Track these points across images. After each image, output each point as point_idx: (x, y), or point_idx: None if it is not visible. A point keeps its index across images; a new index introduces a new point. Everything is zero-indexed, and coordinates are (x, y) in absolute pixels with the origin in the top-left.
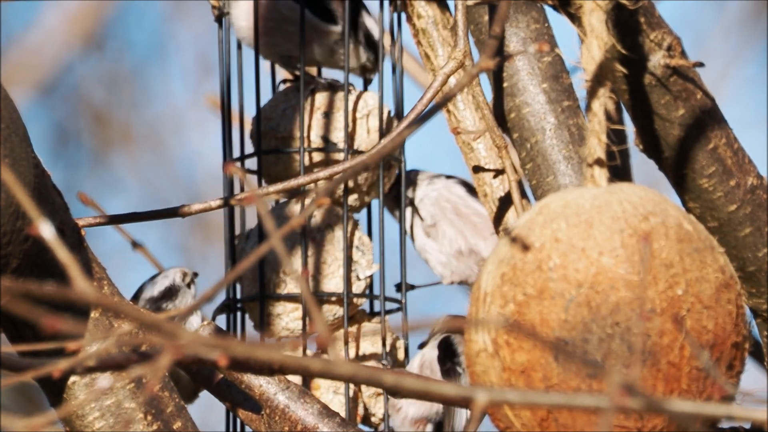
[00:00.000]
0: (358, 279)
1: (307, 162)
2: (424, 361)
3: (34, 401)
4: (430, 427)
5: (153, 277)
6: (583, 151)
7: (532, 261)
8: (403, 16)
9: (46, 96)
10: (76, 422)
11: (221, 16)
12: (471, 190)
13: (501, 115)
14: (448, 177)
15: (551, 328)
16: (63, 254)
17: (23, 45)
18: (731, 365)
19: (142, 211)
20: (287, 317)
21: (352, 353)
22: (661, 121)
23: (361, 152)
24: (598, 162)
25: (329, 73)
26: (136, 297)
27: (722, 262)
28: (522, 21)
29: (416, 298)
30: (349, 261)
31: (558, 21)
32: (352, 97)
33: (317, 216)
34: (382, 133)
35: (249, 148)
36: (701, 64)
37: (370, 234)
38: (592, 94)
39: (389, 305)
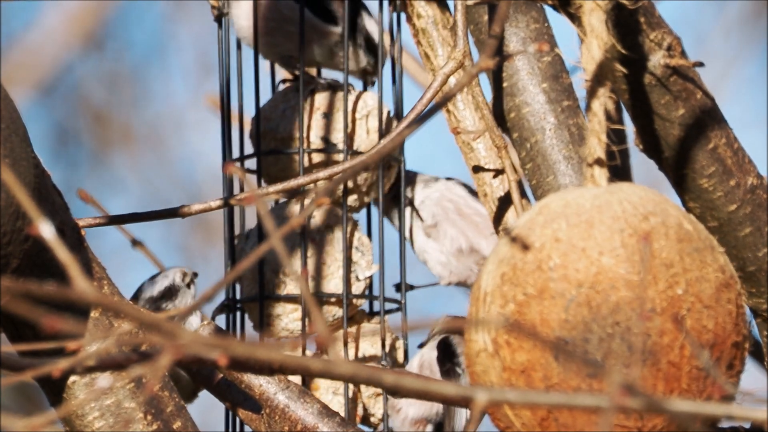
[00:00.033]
0: (358, 280)
1: (306, 163)
2: (424, 361)
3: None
4: (430, 428)
5: (153, 277)
6: (583, 151)
7: (533, 261)
8: (403, 16)
9: (46, 96)
10: (75, 422)
11: (221, 16)
12: (471, 191)
13: (501, 114)
14: (448, 179)
15: (551, 328)
16: (63, 254)
17: (23, 45)
18: (731, 365)
19: (142, 211)
20: (287, 318)
21: (351, 354)
22: (661, 121)
23: (360, 153)
24: (598, 162)
25: (329, 74)
26: (135, 296)
27: (722, 262)
28: (522, 21)
29: (416, 298)
30: (348, 262)
31: (558, 21)
32: (351, 98)
33: (317, 217)
34: (382, 134)
35: (249, 148)
36: (701, 64)
37: (369, 234)
38: (592, 93)
39: (388, 305)
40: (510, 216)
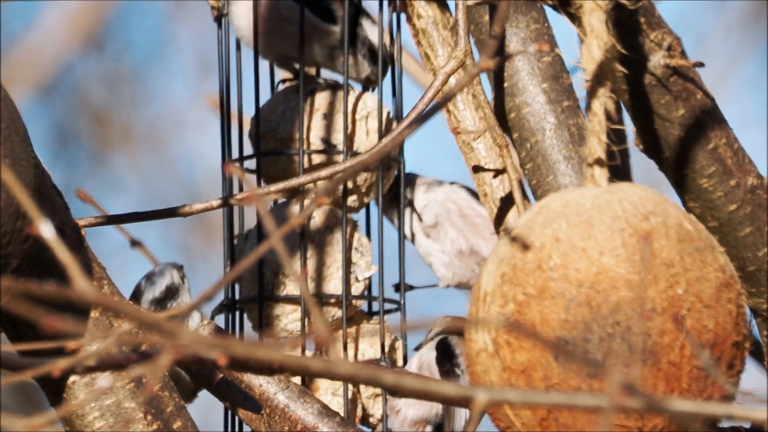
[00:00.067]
0: (357, 280)
1: (306, 164)
2: (423, 362)
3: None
4: (429, 429)
5: (149, 277)
6: (583, 151)
7: (533, 260)
8: (403, 16)
9: (46, 96)
10: (75, 422)
11: (220, 17)
12: (474, 194)
13: (501, 115)
14: (452, 183)
15: (552, 328)
16: (63, 254)
17: (23, 45)
18: (731, 364)
19: (142, 211)
20: (286, 318)
21: (351, 354)
22: (661, 121)
23: (360, 154)
24: (599, 162)
25: (329, 74)
26: (134, 296)
27: (722, 262)
28: (522, 21)
29: (415, 298)
30: (347, 262)
31: (558, 21)
32: (351, 99)
33: (316, 218)
34: (382, 135)
35: (248, 148)
36: (701, 64)
37: (369, 235)
38: (592, 94)
39: (388, 306)
40: (510, 216)
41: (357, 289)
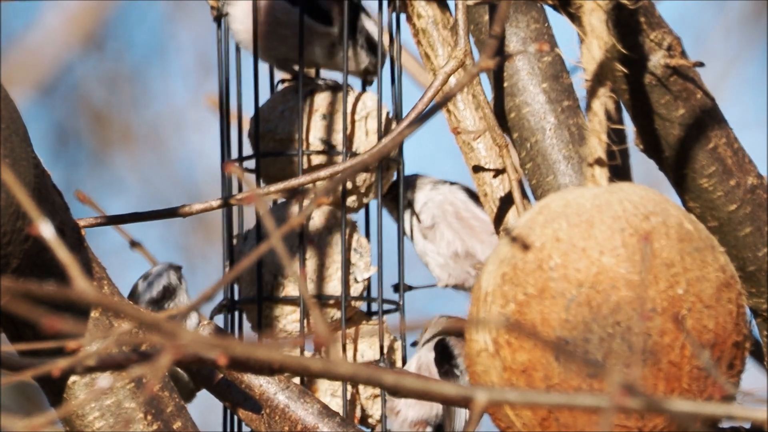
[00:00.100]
0: (356, 281)
1: (305, 165)
2: (421, 363)
3: (34, 401)
4: (429, 430)
5: (146, 277)
6: (583, 151)
7: (533, 260)
8: (403, 16)
9: (46, 96)
10: (76, 422)
11: (220, 17)
12: (473, 196)
13: (501, 114)
14: (452, 183)
15: (552, 328)
16: (63, 254)
17: (23, 45)
18: (732, 364)
19: (142, 211)
20: (285, 319)
21: (350, 355)
22: (661, 121)
23: (359, 154)
24: (599, 161)
25: (328, 74)
26: (131, 296)
27: (723, 262)
28: (522, 21)
29: (414, 299)
30: (347, 263)
31: (558, 21)
32: (350, 99)
33: (316, 218)
34: (381, 135)
35: (247, 148)
36: (701, 64)
37: (368, 236)
38: (592, 93)
39: (387, 306)
40: (510, 216)
41: (356, 290)
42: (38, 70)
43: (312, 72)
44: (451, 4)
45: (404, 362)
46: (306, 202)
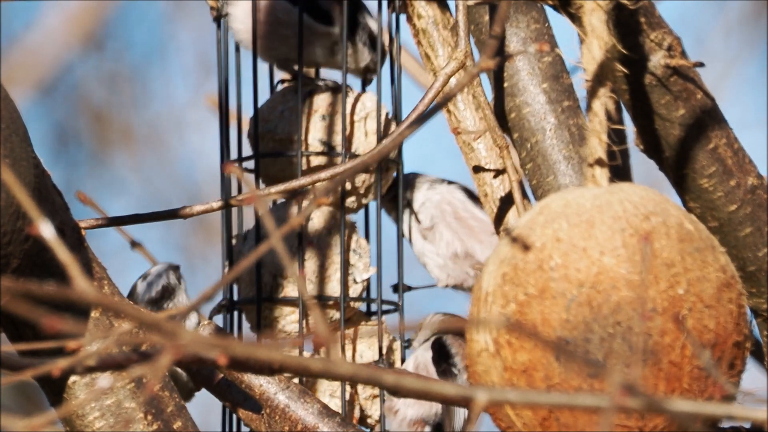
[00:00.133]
0: (355, 282)
1: (304, 165)
2: (419, 363)
3: (34, 401)
4: (428, 429)
5: (145, 277)
6: (584, 151)
7: (534, 261)
8: (403, 16)
9: (46, 96)
10: (76, 422)
11: (219, 17)
12: (471, 195)
13: (501, 115)
14: (450, 182)
15: (553, 328)
16: (63, 254)
17: (23, 45)
18: (732, 364)
19: (143, 212)
20: (284, 320)
21: (349, 355)
22: (662, 121)
23: (358, 155)
24: (599, 162)
25: (328, 74)
26: (130, 296)
27: (723, 262)
28: (522, 21)
29: (413, 299)
30: (346, 264)
31: (558, 21)
32: (350, 100)
33: (315, 219)
34: (380, 136)
35: (247, 148)
36: (701, 64)
37: (367, 236)
38: (592, 93)
39: (386, 307)
40: (511, 216)
41: (355, 290)
42: (38, 70)
43: (312, 72)
44: (451, 4)
45: (403, 362)
46: (306, 203)
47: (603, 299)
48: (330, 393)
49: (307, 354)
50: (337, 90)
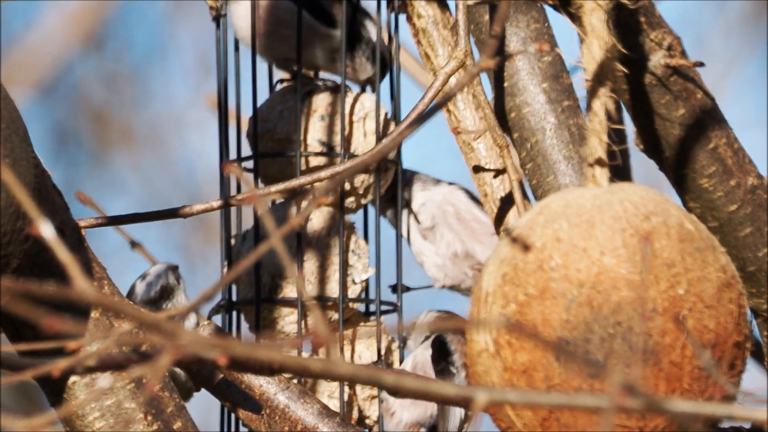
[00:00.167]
0: (354, 283)
1: (303, 166)
2: (417, 362)
3: (34, 401)
4: (423, 431)
5: (144, 277)
6: (584, 151)
7: (534, 261)
8: (403, 16)
9: (46, 96)
10: (76, 422)
11: (219, 17)
12: (472, 197)
13: (501, 114)
14: (450, 183)
15: (553, 328)
16: (63, 254)
17: (23, 45)
18: (733, 365)
19: (143, 211)
20: (283, 321)
21: (347, 356)
22: (662, 121)
23: (357, 156)
24: (599, 162)
25: (327, 75)
26: (129, 296)
27: (724, 262)
28: (522, 21)
29: (412, 300)
30: (345, 265)
31: (558, 21)
32: (348, 100)
33: (314, 220)
34: (379, 136)
35: (246, 148)
36: (701, 64)
37: (366, 237)
38: (592, 93)
39: (385, 307)
40: (511, 216)
41: (354, 291)
42: (38, 70)
43: (311, 73)
44: (451, 4)
45: (401, 363)
46: (305, 203)
47: (603, 299)
48: (328, 394)
49: (305, 354)
50: (336, 90)
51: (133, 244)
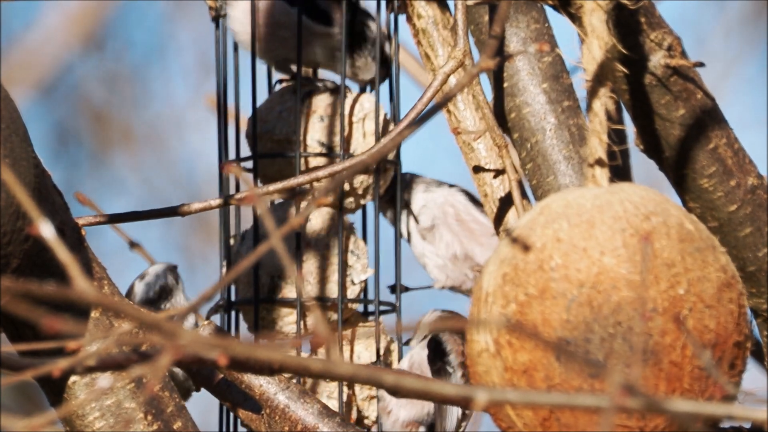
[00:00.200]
0: (353, 283)
1: (303, 166)
2: (413, 362)
3: (34, 401)
4: (422, 430)
5: (142, 277)
6: (584, 151)
7: (534, 261)
8: (403, 16)
9: (46, 96)
10: (76, 422)
11: (218, 17)
12: (472, 198)
13: (501, 115)
14: (451, 185)
15: (553, 328)
16: (63, 254)
17: (23, 45)
18: (733, 364)
19: (141, 210)
20: (282, 321)
21: (346, 357)
22: (662, 121)
23: (356, 156)
24: (599, 162)
25: (327, 75)
26: (129, 295)
27: (724, 262)
28: (522, 21)
29: (411, 300)
30: (344, 265)
31: (558, 21)
32: (348, 100)
33: (313, 220)
34: (379, 136)
35: (245, 148)
36: (701, 64)
37: (365, 237)
38: (592, 94)
39: (384, 308)
40: (511, 216)
41: (353, 291)
42: (38, 70)
43: (310, 73)
44: (451, 4)
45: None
46: (304, 203)
47: (603, 299)
48: (327, 394)
49: (304, 355)
50: (335, 91)
51: (132, 245)
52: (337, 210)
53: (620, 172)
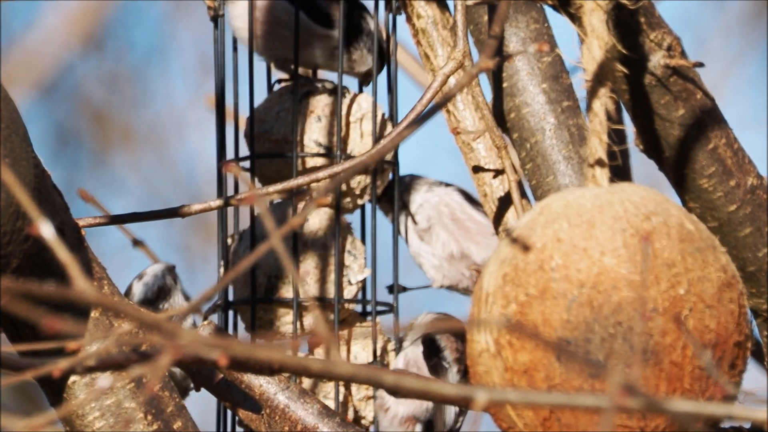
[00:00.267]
0: (350, 284)
1: (300, 167)
2: (409, 360)
3: (34, 401)
4: (419, 427)
5: (141, 277)
6: (584, 151)
7: (534, 261)
8: (403, 16)
9: (46, 96)
10: (76, 422)
11: (217, 17)
12: (469, 198)
13: (501, 115)
14: (448, 185)
15: (553, 328)
16: (63, 254)
17: (23, 45)
18: (733, 364)
19: (142, 211)
20: (279, 321)
21: (343, 357)
22: (661, 121)
23: (354, 157)
24: (599, 162)
25: (325, 75)
26: (127, 295)
27: (724, 262)
28: (522, 21)
29: (409, 300)
30: (341, 266)
31: (558, 21)
32: (346, 101)
33: (310, 220)
34: (376, 137)
35: (244, 148)
36: (701, 64)
37: (363, 237)
38: (592, 94)
39: (381, 308)
40: (510, 216)
41: (350, 292)
42: (38, 70)
43: (309, 73)
44: (450, 4)
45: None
46: (303, 204)
47: (604, 299)
48: (324, 394)
49: (302, 354)
50: (334, 91)
51: (136, 242)
52: (334, 210)
53: (620, 172)
